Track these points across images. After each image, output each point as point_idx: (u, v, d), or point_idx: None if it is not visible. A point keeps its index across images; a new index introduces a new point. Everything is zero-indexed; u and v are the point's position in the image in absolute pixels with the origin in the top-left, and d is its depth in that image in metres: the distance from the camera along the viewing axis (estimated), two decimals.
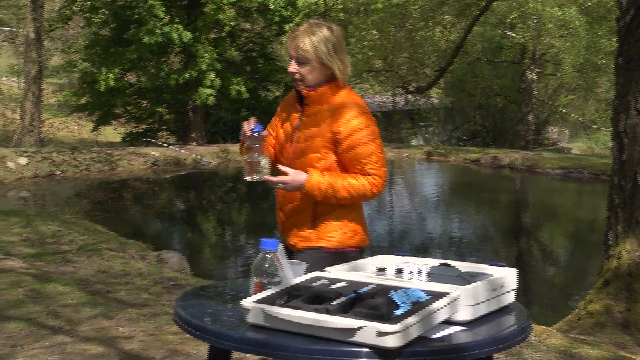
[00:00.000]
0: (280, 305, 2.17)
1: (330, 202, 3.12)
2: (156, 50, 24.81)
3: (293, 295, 2.28)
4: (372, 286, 2.36)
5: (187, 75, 24.74)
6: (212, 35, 26.08)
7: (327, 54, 3.11)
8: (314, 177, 3.08)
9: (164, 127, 29.61)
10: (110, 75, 23.99)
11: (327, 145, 3.13)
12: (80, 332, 4.87)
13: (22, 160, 19.61)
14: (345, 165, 3.16)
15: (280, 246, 2.50)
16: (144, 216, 15.36)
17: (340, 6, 25.18)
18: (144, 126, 28.53)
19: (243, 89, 25.85)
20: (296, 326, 2.08)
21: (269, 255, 2.42)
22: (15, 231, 8.28)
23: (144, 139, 26.33)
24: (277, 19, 26.73)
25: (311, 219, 3.19)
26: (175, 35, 23.71)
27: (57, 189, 18.25)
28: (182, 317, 2.36)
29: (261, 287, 2.40)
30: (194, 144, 26.13)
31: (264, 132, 3.04)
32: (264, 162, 3.02)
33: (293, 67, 3.15)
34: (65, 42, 29.06)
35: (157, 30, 23.34)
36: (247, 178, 3.04)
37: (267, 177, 3.03)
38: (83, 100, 27.18)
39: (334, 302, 2.16)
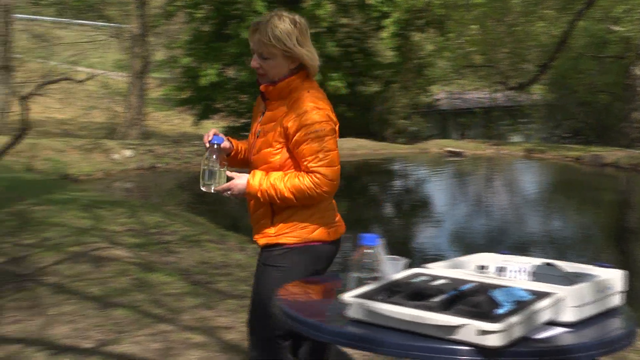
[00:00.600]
0: (381, 301, 2.18)
1: (275, 203, 3.02)
2: None
3: (393, 291, 2.27)
4: (474, 284, 2.34)
5: None
6: (311, 31, 26.21)
7: (292, 47, 3.01)
8: (255, 179, 3.00)
9: None
10: (212, 70, 24.43)
11: (280, 140, 3.03)
12: (182, 321, 4.99)
13: (127, 152, 20.25)
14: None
15: (380, 241, 2.50)
16: (243, 209, 15.55)
17: (439, 1, 24.93)
18: (243, 120, 28.94)
19: (341, 84, 25.89)
20: (396, 322, 2.08)
21: (368, 251, 2.42)
22: (120, 221, 8.54)
23: (243, 133, 26.73)
24: (375, 14, 26.67)
25: (270, 215, 3.10)
26: None
27: (160, 181, 18.75)
28: (282, 308, 2.39)
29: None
30: None
31: (224, 144, 3.07)
32: (219, 173, 3.01)
33: (255, 62, 3.07)
34: (169, 38, 29.75)
35: None
36: (203, 188, 3.04)
37: (217, 187, 3.02)
38: (185, 95, 27.78)
39: (435, 299, 2.15)
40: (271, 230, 3.10)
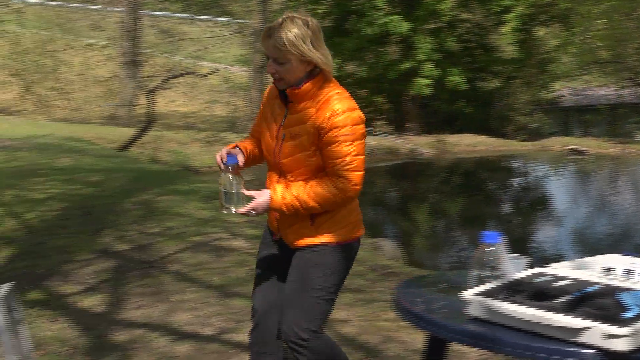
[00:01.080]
0: (502, 300, 2.14)
1: (300, 213, 2.99)
2: (376, 40, 25.12)
3: (515, 290, 2.23)
4: (599, 286, 2.27)
5: (404, 66, 24.84)
6: (431, 26, 26.01)
7: (306, 51, 2.92)
8: (278, 194, 2.97)
9: (381, 117, 29.96)
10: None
11: (315, 142, 2.96)
12: None
13: None
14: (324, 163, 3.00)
15: (502, 239, 2.46)
16: (360, 203, 15.59)
17: None
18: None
19: (460, 79, 25.58)
20: (518, 322, 2.05)
21: (490, 249, 2.39)
22: None
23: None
24: (497, 8, 26.19)
25: (309, 217, 3.04)
26: (393, 26, 23.90)
27: None
28: (402, 305, 2.39)
29: None
30: (410, 133, 26.25)
31: (240, 160, 3.03)
32: (238, 195, 2.96)
33: (272, 68, 2.97)
34: None
35: (378, 21, 23.63)
36: (223, 211, 3.00)
37: (239, 209, 2.97)
38: None
39: (559, 300, 2.10)
40: (312, 231, 3.06)
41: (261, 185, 3.12)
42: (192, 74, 20.33)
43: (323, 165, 2.99)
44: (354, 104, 3.00)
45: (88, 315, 5.01)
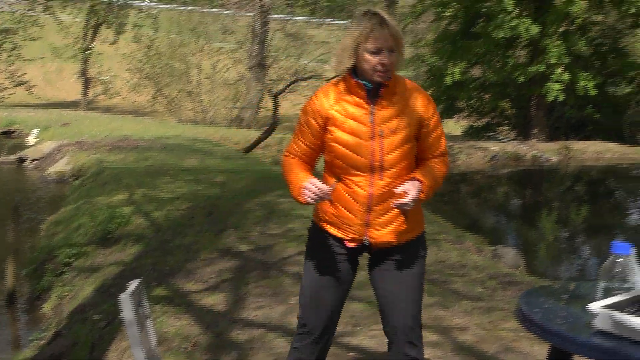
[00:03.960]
0: (632, 313, 2.05)
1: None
2: (503, 43, 24.67)
3: None
4: None
5: (533, 70, 24.28)
6: (562, 29, 25.31)
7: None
8: (425, 182, 2.96)
9: (505, 122, 29.39)
10: (457, 69, 24.32)
11: (416, 133, 3.02)
12: None
13: None
14: (421, 150, 3.07)
15: (633, 250, 2.35)
16: (481, 210, 15.42)
17: None
18: (485, 120, 28.54)
19: (591, 84, 24.77)
20: None
21: (620, 260, 2.29)
22: None
23: (485, 133, 26.40)
24: (632, 10, 25.19)
25: (403, 212, 3.02)
26: (522, 29, 23.40)
27: None
28: (525, 314, 2.33)
29: None
30: (534, 139, 25.64)
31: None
32: None
33: (387, 59, 2.90)
34: (416, 36, 30.02)
35: (507, 24, 23.19)
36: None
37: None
38: (429, 93, 27.91)
39: None
40: (409, 226, 3.08)
41: None
42: (317, 77, 20.53)
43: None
44: None
45: (209, 313, 5.14)
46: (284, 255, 6.59)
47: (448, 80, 24.36)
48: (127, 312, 2.90)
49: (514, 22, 23.42)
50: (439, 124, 3.10)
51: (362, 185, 2.99)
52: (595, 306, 2.11)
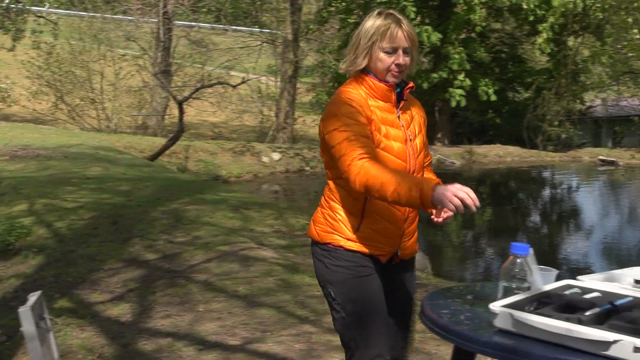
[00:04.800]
0: (530, 312, 2.11)
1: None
2: None
3: (543, 302, 2.20)
4: (630, 299, 2.23)
5: (436, 76, 24.77)
6: (463, 36, 25.93)
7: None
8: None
9: None
10: None
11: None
12: (325, 323, 5.03)
13: (276, 156, 20.71)
14: None
15: (531, 251, 2.42)
16: None
17: (598, 5, 24.03)
18: None
19: (491, 90, 25.46)
20: (545, 334, 2.01)
21: (519, 260, 2.35)
22: (267, 222, 8.72)
23: None
24: (530, 18, 26.02)
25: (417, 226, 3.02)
26: (424, 36, 23.85)
27: (306, 184, 19.04)
28: (428, 316, 2.37)
29: None
30: (439, 144, 26.16)
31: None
32: None
33: (402, 59, 2.80)
34: (320, 43, 30.20)
35: None
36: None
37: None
38: None
39: (588, 313, 2.07)
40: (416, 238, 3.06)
41: None
42: (223, 84, 20.41)
43: None
44: None
45: (115, 323, 5.04)
46: (191, 263, 6.52)
47: None
48: (27, 325, 2.82)
49: (416, 30, 23.87)
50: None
51: None
52: (496, 306, 2.16)
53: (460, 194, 2.43)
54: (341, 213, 2.86)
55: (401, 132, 2.86)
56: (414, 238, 3.00)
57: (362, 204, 2.82)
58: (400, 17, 2.82)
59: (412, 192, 2.52)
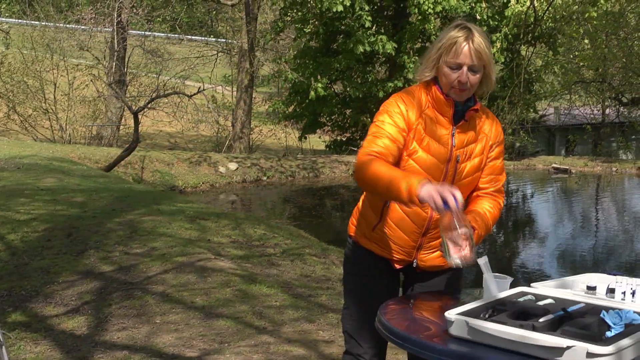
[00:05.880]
0: (485, 319, 2.14)
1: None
2: (362, 60, 25.21)
3: (498, 310, 2.23)
4: (582, 305, 2.27)
5: (392, 85, 24.92)
6: (417, 46, 26.13)
7: (493, 62, 2.74)
8: (477, 231, 2.74)
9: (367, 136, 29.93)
10: (319, 84, 24.65)
11: (485, 162, 2.87)
12: (283, 333, 5.03)
13: (232, 166, 20.62)
14: (480, 179, 2.88)
15: (485, 259, 2.45)
16: (345, 223, 15.58)
17: (550, 15, 24.40)
18: (347, 135, 29.06)
19: None
20: (500, 341, 2.04)
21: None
22: (225, 233, 8.69)
23: (348, 147, 26.88)
24: (484, 28, 26.32)
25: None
26: (379, 46, 23.99)
27: (264, 194, 19.00)
28: (385, 325, 2.38)
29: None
30: None
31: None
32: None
33: (465, 76, 2.69)
34: (276, 53, 30.22)
35: (366, 39, 23.72)
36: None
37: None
38: (291, 109, 28.14)
39: (541, 319, 2.10)
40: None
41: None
42: (178, 93, 20.28)
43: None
44: None
45: (70, 337, 4.97)
46: (148, 274, 6.47)
47: (312, 95, 24.66)
48: None
49: (371, 39, 24.00)
50: (502, 154, 2.92)
51: (425, 207, 2.73)
52: (451, 314, 2.18)
53: (446, 193, 2.40)
54: (365, 211, 2.98)
55: (445, 150, 2.76)
56: (438, 254, 2.86)
57: (381, 207, 2.88)
58: (474, 32, 2.71)
59: (400, 184, 2.49)
